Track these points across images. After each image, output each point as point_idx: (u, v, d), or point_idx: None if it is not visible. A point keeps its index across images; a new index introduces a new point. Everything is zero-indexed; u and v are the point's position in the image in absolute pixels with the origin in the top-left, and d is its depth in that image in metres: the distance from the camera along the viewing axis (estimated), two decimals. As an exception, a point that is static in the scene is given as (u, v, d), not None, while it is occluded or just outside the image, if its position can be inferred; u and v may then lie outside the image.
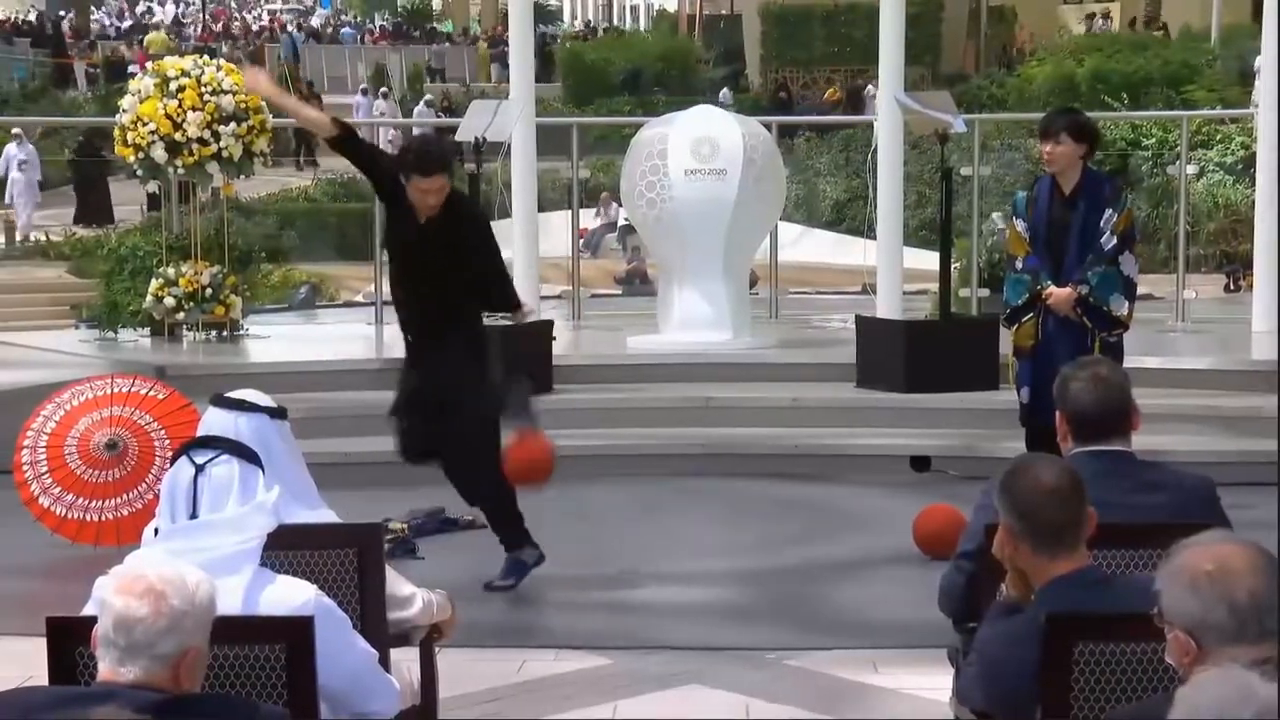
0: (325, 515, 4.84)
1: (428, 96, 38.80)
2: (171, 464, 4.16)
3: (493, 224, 12.65)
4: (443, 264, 7.73)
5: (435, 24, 58.20)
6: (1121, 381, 4.69)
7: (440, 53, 49.30)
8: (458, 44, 52.54)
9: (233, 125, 12.34)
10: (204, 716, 3.31)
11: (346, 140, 7.98)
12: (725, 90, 36.17)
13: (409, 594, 4.90)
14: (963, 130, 11.85)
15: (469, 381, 7.75)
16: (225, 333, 12.74)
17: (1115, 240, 8.16)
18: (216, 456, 4.11)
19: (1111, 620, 3.69)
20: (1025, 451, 7.24)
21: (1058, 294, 8.12)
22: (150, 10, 64.50)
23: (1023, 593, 3.90)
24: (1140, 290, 8.74)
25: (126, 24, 57.00)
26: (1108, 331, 8.18)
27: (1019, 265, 8.33)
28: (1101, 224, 8.15)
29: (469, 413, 7.72)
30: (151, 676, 3.28)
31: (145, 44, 44.67)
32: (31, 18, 51.99)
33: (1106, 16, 41.69)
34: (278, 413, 4.69)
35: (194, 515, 4.05)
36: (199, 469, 4.08)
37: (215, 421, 4.57)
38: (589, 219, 24.19)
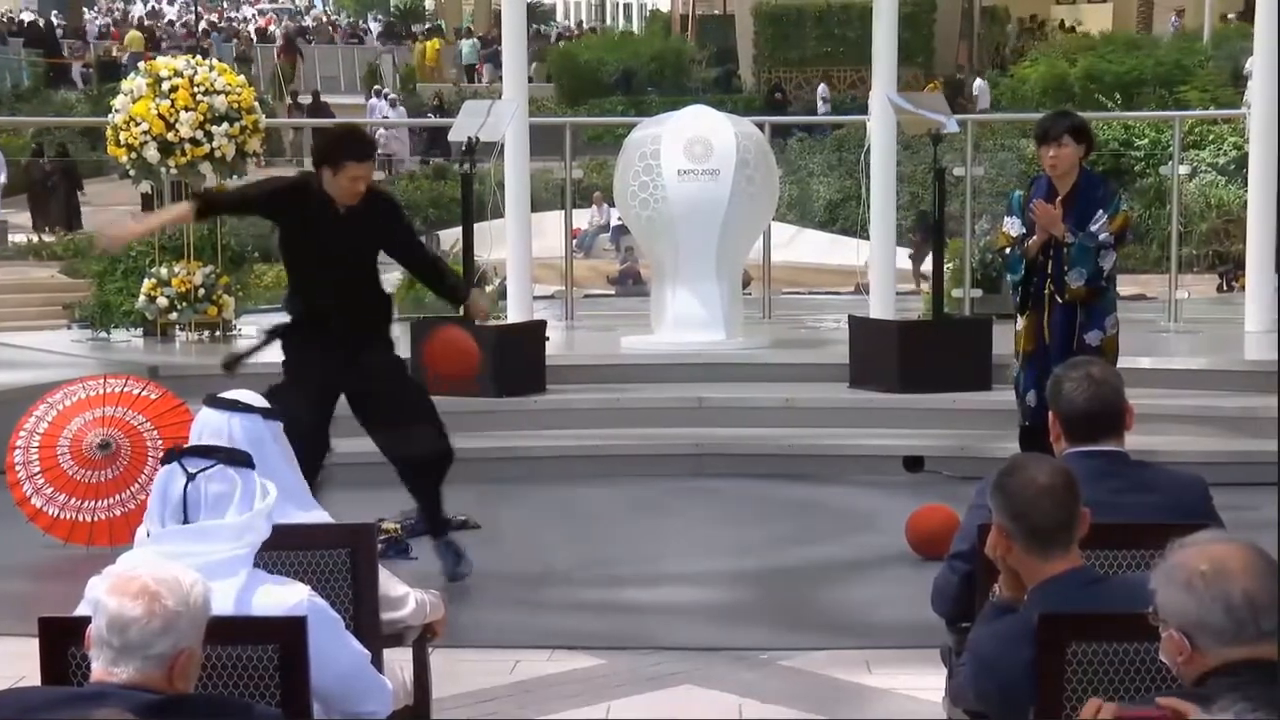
0: (318, 515, 4.84)
1: (390, 95, 38.93)
2: (163, 464, 4.14)
3: (487, 224, 12.68)
4: (365, 251, 7.75)
5: (429, 23, 58.10)
6: (1114, 381, 4.68)
7: (387, 52, 48.89)
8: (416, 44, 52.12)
9: (225, 125, 12.33)
10: (197, 717, 3.31)
11: (211, 208, 8.26)
12: (980, 82, 35.48)
13: (402, 594, 4.90)
14: (955, 130, 11.84)
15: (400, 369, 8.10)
16: (218, 333, 12.73)
17: (1108, 235, 8.17)
18: (210, 468, 4.07)
19: (1105, 620, 3.69)
20: (1019, 452, 7.24)
21: (1042, 205, 8.08)
22: (156, 9, 64.42)
23: (1016, 593, 3.90)
24: (1133, 290, 8.75)
25: (106, 21, 56.82)
26: (1088, 323, 8.19)
27: (1008, 251, 8.35)
28: (1093, 226, 8.16)
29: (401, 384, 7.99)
30: (145, 677, 3.27)
31: (125, 43, 44.43)
32: (25, 17, 51.87)
33: (1180, 13, 41.02)
34: (271, 414, 4.68)
35: (184, 521, 4.03)
36: (190, 478, 4.06)
37: (209, 422, 4.56)
38: (582, 219, 24.18)
